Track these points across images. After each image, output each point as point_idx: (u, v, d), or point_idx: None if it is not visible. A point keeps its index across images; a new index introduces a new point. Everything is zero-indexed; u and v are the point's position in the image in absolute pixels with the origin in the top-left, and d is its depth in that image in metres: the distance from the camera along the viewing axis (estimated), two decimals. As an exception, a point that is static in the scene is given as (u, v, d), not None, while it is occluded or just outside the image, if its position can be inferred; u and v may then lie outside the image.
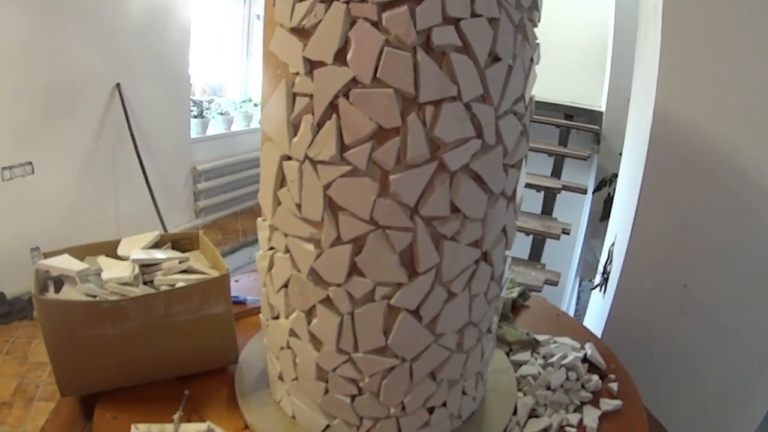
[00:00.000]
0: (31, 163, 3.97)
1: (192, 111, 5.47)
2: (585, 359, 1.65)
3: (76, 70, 4.15)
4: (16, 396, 2.96)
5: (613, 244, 2.56)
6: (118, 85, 4.49)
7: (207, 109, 5.77)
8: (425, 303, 1.05)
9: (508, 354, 1.67)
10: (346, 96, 0.93)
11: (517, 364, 1.60)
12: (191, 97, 5.50)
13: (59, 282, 1.49)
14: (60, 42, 4.00)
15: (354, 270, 1.02)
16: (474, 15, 0.93)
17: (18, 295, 3.86)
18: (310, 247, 1.04)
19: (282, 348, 1.21)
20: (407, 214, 0.97)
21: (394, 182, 0.95)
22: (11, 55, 3.72)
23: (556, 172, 4.77)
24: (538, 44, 1.15)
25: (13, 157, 3.86)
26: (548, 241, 4.30)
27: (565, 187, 4.48)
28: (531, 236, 4.31)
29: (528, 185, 4.25)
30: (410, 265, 1.01)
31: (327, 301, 1.07)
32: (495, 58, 0.98)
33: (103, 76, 4.40)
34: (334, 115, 0.94)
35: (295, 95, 0.99)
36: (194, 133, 5.47)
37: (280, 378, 1.27)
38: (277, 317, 1.20)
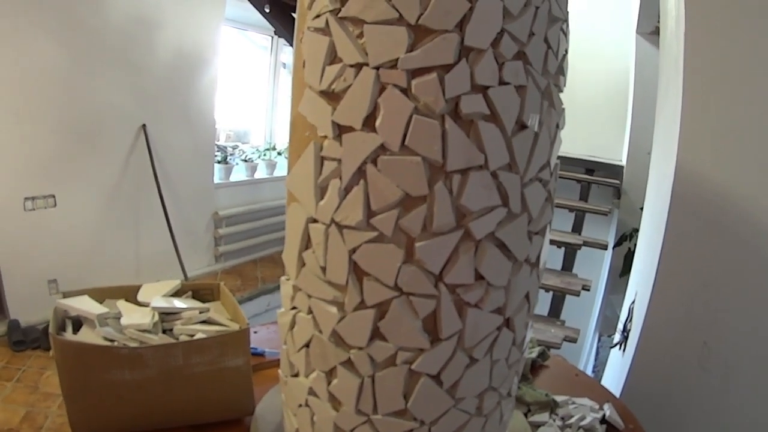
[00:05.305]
0: (53, 196, 4.04)
1: (216, 156, 5.53)
2: (603, 420, 1.63)
3: (104, 107, 4.25)
4: (24, 424, 2.96)
5: (633, 302, 2.53)
6: (143, 125, 4.57)
7: (231, 155, 5.84)
8: (446, 368, 1.04)
9: (526, 415, 1.65)
10: (374, 162, 0.94)
11: (536, 426, 1.58)
12: (216, 142, 5.57)
13: (77, 321, 1.50)
14: (90, 79, 4.11)
15: (376, 334, 1.01)
16: (502, 83, 0.94)
17: (33, 325, 3.91)
18: (334, 309, 1.04)
19: (300, 405, 1.20)
20: (431, 281, 0.97)
21: (419, 249, 0.95)
22: (41, 88, 3.83)
23: (577, 228, 4.74)
24: (563, 109, 1.16)
25: (37, 189, 3.94)
26: (568, 297, 4.26)
27: (586, 243, 4.45)
28: (551, 293, 4.26)
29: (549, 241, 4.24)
30: (433, 331, 1.01)
31: (348, 363, 1.06)
32: (522, 126, 0.99)
33: (130, 115, 4.49)
34: (361, 181, 0.95)
35: (323, 159, 1.00)
36: (217, 179, 5.54)
37: (297, 435, 1.26)
38: (296, 375, 1.20)
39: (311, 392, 1.15)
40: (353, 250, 0.98)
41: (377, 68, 0.92)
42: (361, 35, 0.93)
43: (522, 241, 1.05)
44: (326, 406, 1.13)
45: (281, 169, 6.30)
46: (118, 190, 4.51)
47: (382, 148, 0.93)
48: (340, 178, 0.97)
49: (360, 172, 0.95)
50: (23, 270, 3.92)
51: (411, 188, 0.93)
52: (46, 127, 3.90)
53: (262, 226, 6.01)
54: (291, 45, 5.57)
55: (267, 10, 4.92)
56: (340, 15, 0.95)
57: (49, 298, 3.97)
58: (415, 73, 0.91)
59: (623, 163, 5.01)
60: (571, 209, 4.71)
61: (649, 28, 4.71)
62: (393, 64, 0.91)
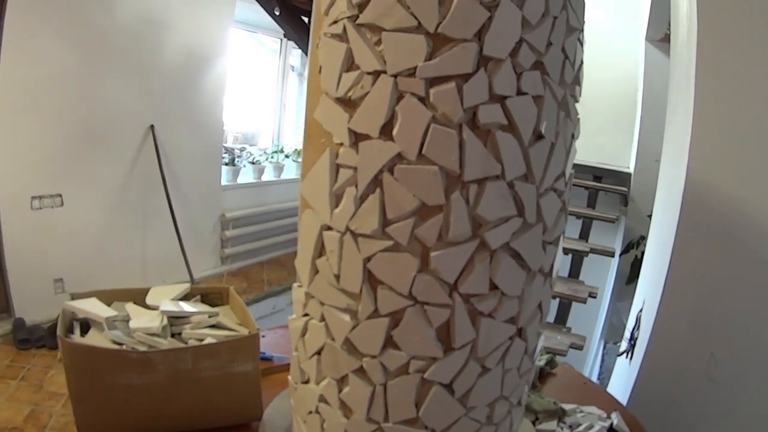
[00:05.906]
0: (60, 196, 4.05)
1: (224, 158, 5.54)
2: (611, 429, 1.63)
3: (113, 108, 4.26)
4: (28, 423, 2.95)
5: (640, 310, 2.52)
6: (152, 126, 4.58)
7: (238, 157, 5.84)
8: (459, 377, 1.03)
9: (534, 423, 1.64)
10: (391, 171, 0.93)
11: (544, 434, 1.58)
12: (223, 144, 5.58)
13: (85, 324, 1.50)
14: (99, 79, 4.12)
15: (389, 343, 1.01)
16: (520, 93, 0.94)
17: (38, 323, 3.90)
18: (347, 317, 1.03)
19: (310, 412, 1.20)
20: (446, 290, 0.97)
21: (434, 259, 0.94)
22: (50, 88, 3.84)
23: (584, 234, 4.72)
24: (578, 119, 1.15)
25: (44, 188, 3.95)
26: (574, 304, 4.25)
27: (593, 250, 4.43)
28: (557, 299, 4.25)
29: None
30: (446, 340, 1.00)
31: (360, 371, 1.06)
32: (538, 136, 0.99)
33: (138, 116, 4.50)
34: (377, 190, 0.95)
35: (338, 166, 0.99)
36: (225, 180, 5.54)
37: (306, 441, 1.26)
38: (307, 382, 1.19)
39: (322, 399, 1.15)
40: (368, 259, 0.98)
41: (395, 76, 0.92)
42: (379, 42, 0.93)
43: (536, 251, 1.05)
44: (337, 414, 1.13)
45: (289, 172, 6.30)
46: (125, 190, 4.51)
47: (399, 157, 0.93)
48: (356, 186, 0.97)
49: (376, 181, 0.95)
50: (29, 269, 3.92)
51: (427, 197, 0.92)
52: (54, 127, 3.91)
53: (268, 229, 6.01)
54: (300, 48, 5.57)
55: (277, 13, 4.92)
56: (357, 21, 0.95)
57: (55, 297, 3.99)
58: (433, 81, 0.90)
59: (631, 170, 5.00)
60: (578, 216, 4.70)
61: (659, 35, 4.70)
62: (411, 73, 0.90)
